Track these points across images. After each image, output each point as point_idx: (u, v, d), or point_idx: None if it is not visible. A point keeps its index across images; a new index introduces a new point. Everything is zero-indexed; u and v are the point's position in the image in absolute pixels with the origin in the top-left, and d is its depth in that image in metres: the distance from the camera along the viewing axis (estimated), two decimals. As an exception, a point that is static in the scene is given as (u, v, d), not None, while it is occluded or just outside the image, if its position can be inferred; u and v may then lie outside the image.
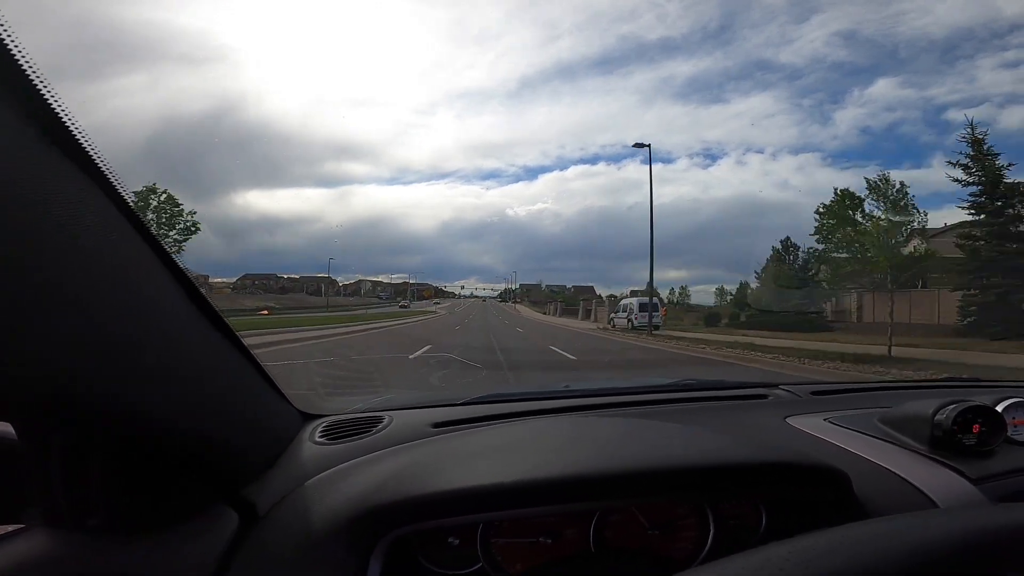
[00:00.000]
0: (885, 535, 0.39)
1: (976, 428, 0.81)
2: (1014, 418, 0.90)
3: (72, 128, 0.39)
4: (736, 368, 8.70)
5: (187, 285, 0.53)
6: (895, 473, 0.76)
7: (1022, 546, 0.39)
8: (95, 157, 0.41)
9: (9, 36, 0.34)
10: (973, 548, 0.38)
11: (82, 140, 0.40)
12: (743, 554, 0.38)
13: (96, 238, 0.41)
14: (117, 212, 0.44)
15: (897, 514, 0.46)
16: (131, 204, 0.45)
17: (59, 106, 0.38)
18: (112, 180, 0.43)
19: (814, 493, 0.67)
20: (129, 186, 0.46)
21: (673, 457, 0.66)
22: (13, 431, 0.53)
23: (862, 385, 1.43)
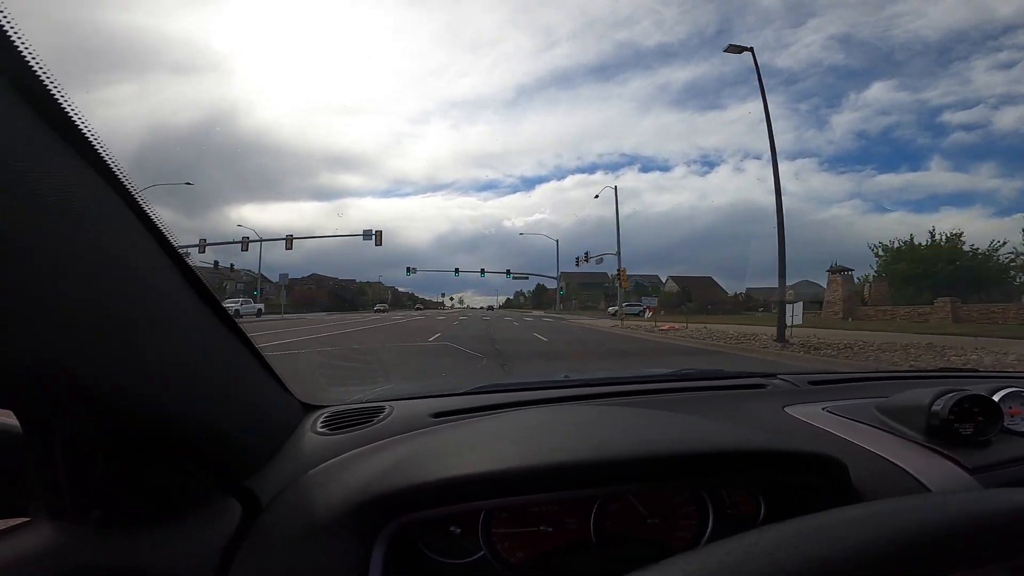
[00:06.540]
0: (877, 517, 0.39)
1: (973, 417, 0.82)
2: (1011, 408, 0.90)
3: (67, 108, 0.38)
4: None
5: (188, 273, 0.53)
6: (892, 462, 0.77)
7: (1014, 531, 0.39)
8: (90, 136, 0.40)
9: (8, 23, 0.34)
10: (966, 531, 0.39)
11: (76, 120, 0.39)
12: (734, 537, 0.38)
13: (94, 221, 0.41)
14: (114, 194, 0.44)
15: (890, 497, 0.46)
16: (130, 188, 0.44)
17: (55, 88, 0.37)
18: (109, 162, 0.42)
19: (811, 481, 0.67)
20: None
21: (671, 444, 0.66)
22: (18, 424, 0.53)
23: (861, 375, 1.44)
